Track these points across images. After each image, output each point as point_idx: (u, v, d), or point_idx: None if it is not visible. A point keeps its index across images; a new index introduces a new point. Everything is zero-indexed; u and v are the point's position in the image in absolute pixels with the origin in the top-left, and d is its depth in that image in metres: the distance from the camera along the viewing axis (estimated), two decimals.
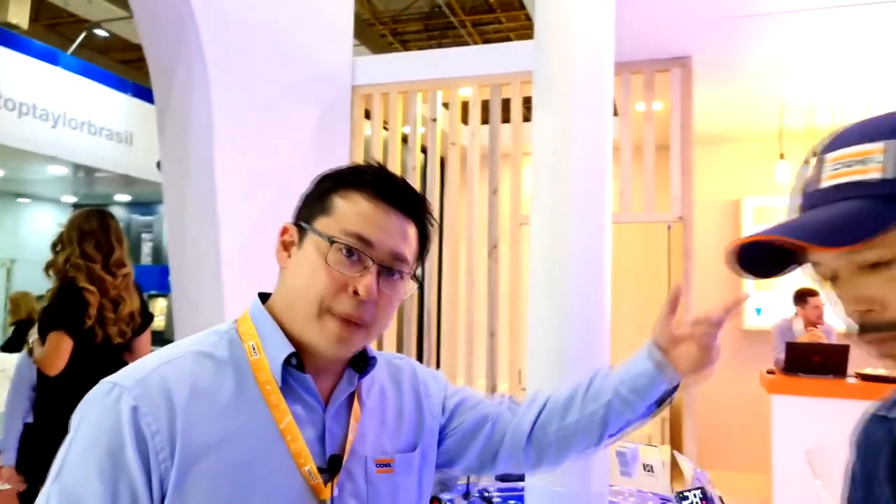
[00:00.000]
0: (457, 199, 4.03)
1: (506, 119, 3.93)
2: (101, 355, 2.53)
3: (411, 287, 0.88)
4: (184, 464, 0.75)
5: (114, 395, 0.76)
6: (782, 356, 4.21)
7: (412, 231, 0.88)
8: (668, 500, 2.01)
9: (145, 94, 6.38)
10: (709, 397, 4.78)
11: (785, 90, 4.33)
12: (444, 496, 1.78)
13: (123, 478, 0.74)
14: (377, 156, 4.12)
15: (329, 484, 0.82)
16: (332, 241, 0.82)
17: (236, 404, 0.80)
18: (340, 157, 3.94)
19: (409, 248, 0.87)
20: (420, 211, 0.89)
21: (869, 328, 0.66)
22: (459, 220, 4.06)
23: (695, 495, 1.70)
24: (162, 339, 6.35)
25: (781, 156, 5.17)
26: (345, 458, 0.84)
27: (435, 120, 4.06)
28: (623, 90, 3.71)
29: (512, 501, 2.14)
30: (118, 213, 8.28)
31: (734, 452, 4.90)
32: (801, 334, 4.60)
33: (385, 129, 4.21)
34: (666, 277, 5.49)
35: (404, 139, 4.31)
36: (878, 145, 0.65)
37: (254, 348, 0.83)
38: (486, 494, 2.10)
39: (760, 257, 0.72)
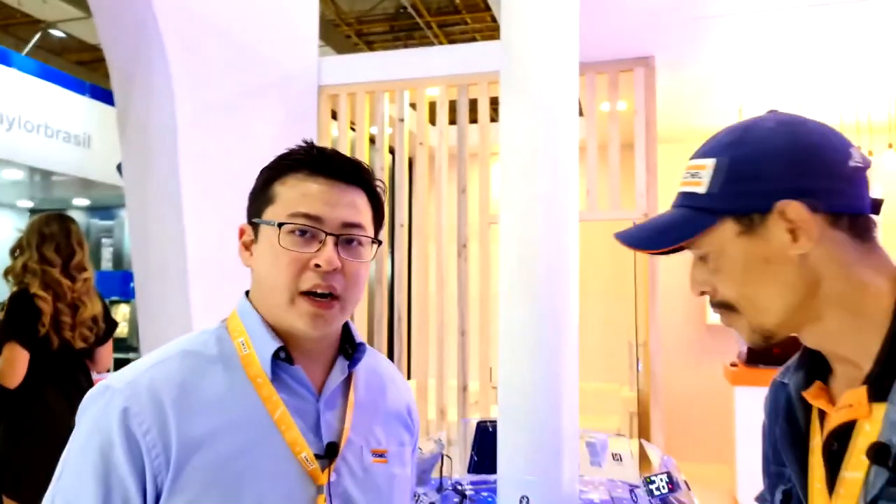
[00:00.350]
0: (425, 199, 4.04)
1: (473, 119, 3.95)
2: (61, 362, 2.47)
3: (373, 250, 0.89)
4: (179, 458, 0.77)
5: (106, 398, 0.79)
6: (745, 349, 4.32)
7: (360, 198, 0.89)
8: (637, 487, 2.06)
9: (103, 95, 6.23)
10: (676, 391, 4.88)
11: (743, 90, 4.44)
12: (418, 489, 1.79)
13: (115, 476, 0.77)
14: None
15: (326, 470, 0.84)
16: (280, 225, 0.84)
17: (228, 399, 0.82)
18: None
19: (361, 215, 0.88)
20: (362, 177, 0.90)
21: (713, 305, 0.79)
22: (428, 220, 4.06)
23: (661, 479, 1.75)
24: (125, 346, 6.21)
25: None
26: (342, 445, 0.86)
27: (402, 120, 4.06)
28: (588, 90, 3.76)
29: (485, 493, 2.16)
30: (77, 217, 8.08)
31: (700, 444, 5.01)
32: None
33: (352, 129, 4.19)
34: (632, 273, 5.58)
35: (372, 140, 4.30)
36: (708, 161, 0.76)
37: (243, 344, 0.86)
38: (460, 487, 2.12)
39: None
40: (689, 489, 1.92)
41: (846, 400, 0.72)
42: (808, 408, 0.78)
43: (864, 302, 0.72)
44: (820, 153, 0.72)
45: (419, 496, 1.79)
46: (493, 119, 3.92)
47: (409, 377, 4.36)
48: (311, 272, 0.83)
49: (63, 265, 2.50)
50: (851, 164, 0.72)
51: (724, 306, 0.78)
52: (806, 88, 4.36)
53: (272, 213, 0.86)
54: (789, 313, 0.74)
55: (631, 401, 4.94)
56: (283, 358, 0.84)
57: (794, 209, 0.71)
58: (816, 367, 0.78)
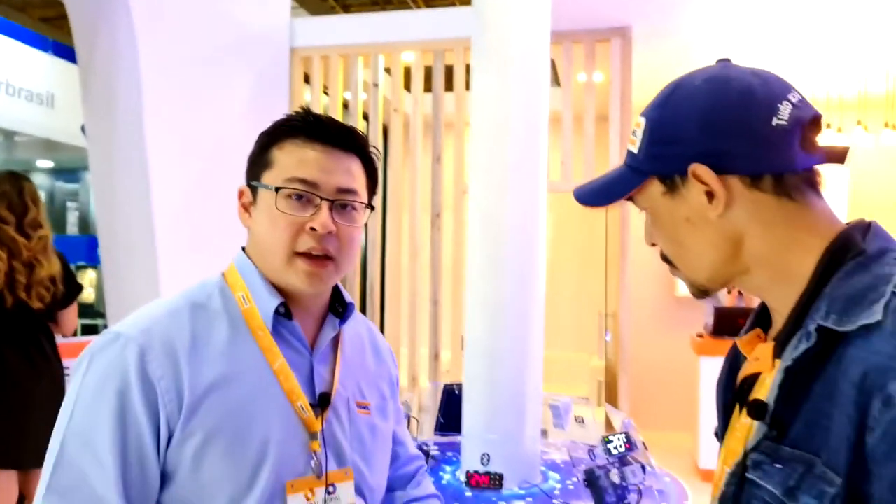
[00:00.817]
0: (400, 167, 4.00)
1: (449, 87, 3.90)
2: (18, 322, 2.42)
3: (366, 215, 0.94)
4: (191, 403, 0.82)
5: (119, 344, 0.83)
6: (711, 320, 4.41)
7: (355, 164, 0.93)
8: (596, 447, 2.13)
9: (68, 53, 6.01)
10: (643, 361, 4.97)
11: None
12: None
13: (130, 417, 0.81)
14: None
15: (319, 417, 0.90)
16: (278, 190, 0.88)
17: (232, 349, 0.87)
18: None
19: (355, 181, 0.92)
20: (357, 143, 0.94)
21: (662, 258, 0.81)
22: (402, 189, 4.03)
23: (619, 439, 1.80)
24: (92, 311, 6.10)
25: None
26: (333, 395, 0.93)
27: (377, 85, 3.99)
28: (565, 60, 3.73)
29: (450, 453, 2.21)
30: (41, 180, 7.84)
31: (665, 412, 5.13)
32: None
33: (325, 94, 4.11)
34: (604, 244, 5.63)
35: (345, 105, 4.23)
36: (642, 121, 0.77)
37: (244, 298, 0.90)
38: (426, 448, 2.16)
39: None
40: (646, 449, 1.98)
41: (756, 353, 0.75)
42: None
43: (787, 260, 0.72)
44: (735, 114, 0.71)
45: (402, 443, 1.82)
46: (469, 87, 3.88)
47: None
48: (306, 235, 0.88)
49: (17, 223, 2.43)
50: (776, 121, 0.70)
51: (667, 260, 0.81)
52: (782, 61, 4.39)
53: (270, 178, 0.90)
54: (716, 269, 0.76)
55: (599, 370, 5.03)
56: (282, 313, 0.90)
57: (703, 172, 0.71)
58: (765, 317, 0.80)
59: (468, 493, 1.88)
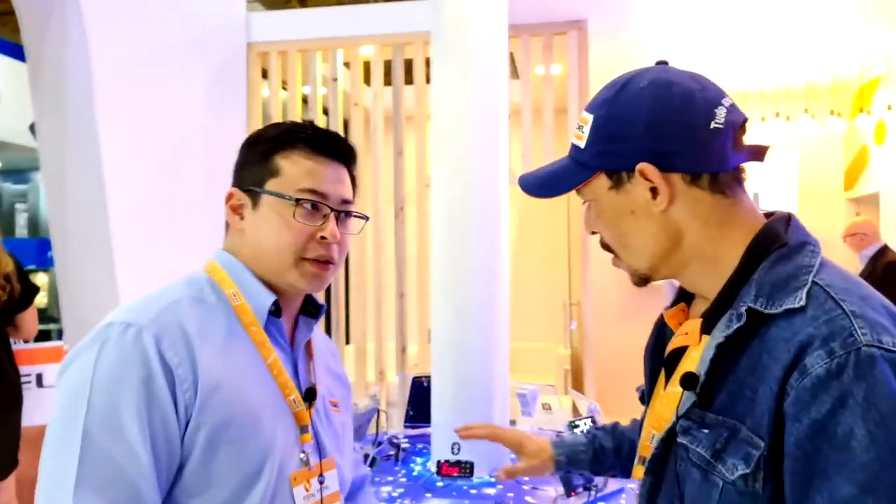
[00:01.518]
0: (362, 161, 3.98)
1: (409, 81, 3.89)
2: None
3: (361, 223, 1.01)
4: (205, 393, 0.83)
5: (132, 333, 0.82)
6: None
7: (346, 175, 0.99)
8: (562, 432, 2.18)
9: (13, 50, 5.80)
10: (607, 349, 5.07)
11: (674, 58, 4.55)
12: (356, 444, 1.83)
13: (158, 405, 0.80)
14: (276, 117, 3.98)
15: (308, 410, 0.94)
16: (297, 201, 0.92)
17: (230, 344, 0.89)
18: (237, 119, 3.77)
19: (350, 191, 0.99)
20: (350, 155, 1.00)
21: (603, 247, 0.87)
22: (365, 182, 4.02)
23: (584, 423, 1.84)
24: (45, 316, 5.91)
25: None
26: (317, 390, 0.97)
27: (336, 79, 3.97)
28: (523, 53, 3.76)
29: (420, 445, 2.23)
30: None
31: (630, 398, 5.22)
32: None
33: (284, 89, 4.07)
34: (566, 234, 5.71)
35: (304, 100, 4.19)
36: (589, 117, 0.82)
37: (234, 295, 0.92)
38: (395, 441, 2.17)
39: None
40: None
41: (685, 328, 0.83)
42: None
43: (719, 252, 0.79)
44: (679, 117, 0.77)
45: (354, 449, 1.83)
46: (429, 81, 3.88)
47: (347, 341, 4.36)
48: (315, 242, 0.93)
49: None
50: (713, 125, 0.76)
51: (608, 248, 0.86)
52: (732, 53, 4.51)
53: (278, 186, 0.93)
54: (657, 260, 0.82)
55: (565, 358, 5.11)
56: (272, 311, 0.93)
57: (649, 171, 0.77)
58: (687, 293, 0.89)
59: (439, 483, 1.90)
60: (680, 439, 0.77)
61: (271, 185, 0.93)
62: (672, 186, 0.77)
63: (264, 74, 4.03)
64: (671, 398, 0.81)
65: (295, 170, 0.93)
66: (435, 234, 2.14)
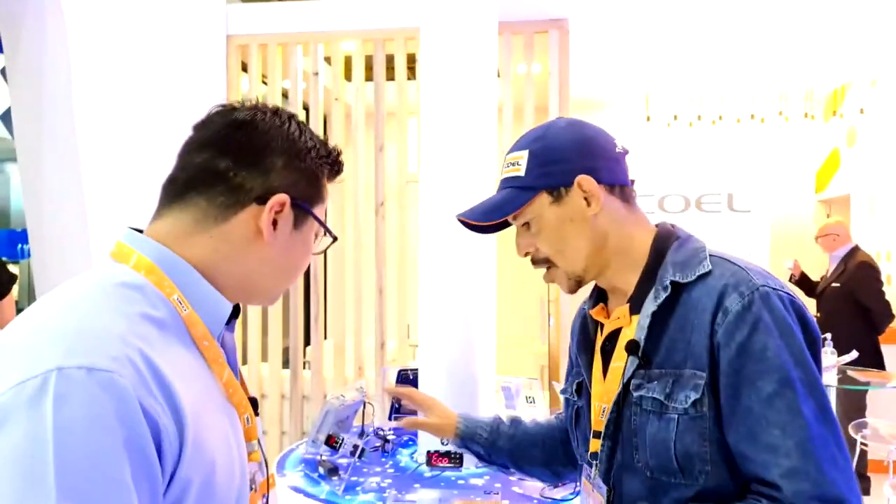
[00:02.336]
0: (342, 156, 3.97)
1: (390, 77, 3.89)
2: None
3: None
4: (190, 443, 0.68)
5: (99, 381, 0.61)
6: None
7: None
8: None
9: None
10: None
11: (651, 55, 4.62)
12: (342, 435, 1.84)
13: (143, 471, 0.63)
14: None
15: (254, 425, 0.84)
16: (335, 239, 0.89)
17: (189, 366, 0.74)
18: None
19: None
20: None
21: (535, 263, 1.06)
22: (345, 178, 4.01)
23: None
24: (16, 308, 5.79)
25: (647, 118, 5.54)
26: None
27: (317, 74, 3.95)
28: (504, 51, 3.78)
29: (406, 437, 2.24)
30: None
31: None
32: None
33: (264, 83, 4.04)
34: None
35: (284, 95, 4.16)
36: (523, 153, 1.02)
37: (179, 302, 0.75)
38: (382, 433, 2.18)
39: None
40: None
41: (615, 314, 1.03)
42: (596, 324, 1.09)
43: (631, 249, 1.02)
44: (597, 142, 1.02)
45: (342, 440, 1.83)
46: (410, 77, 3.89)
47: (325, 336, 4.35)
48: None
49: None
50: (617, 150, 1.03)
51: (543, 262, 1.05)
52: (713, 57, 4.59)
53: (321, 214, 0.89)
54: (590, 260, 1.02)
55: (542, 354, 5.16)
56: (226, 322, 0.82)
57: (586, 182, 0.99)
58: (602, 296, 1.09)
59: (427, 474, 1.92)
60: (634, 395, 0.96)
61: (318, 211, 0.86)
62: (600, 194, 1.00)
63: (244, 68, 4.00)
64: (615, 372, 1.00)
65: (325, 198, 0.89)
66: (423, 229, 2.16)
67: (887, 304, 4.18)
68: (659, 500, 0.93)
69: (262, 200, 0.79)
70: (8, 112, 3.30)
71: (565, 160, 1.00)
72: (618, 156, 1.03)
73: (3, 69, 3.13)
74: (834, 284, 4.34)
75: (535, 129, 1.05)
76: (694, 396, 0.90)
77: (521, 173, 1.01)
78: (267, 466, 0.88)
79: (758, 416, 0.86)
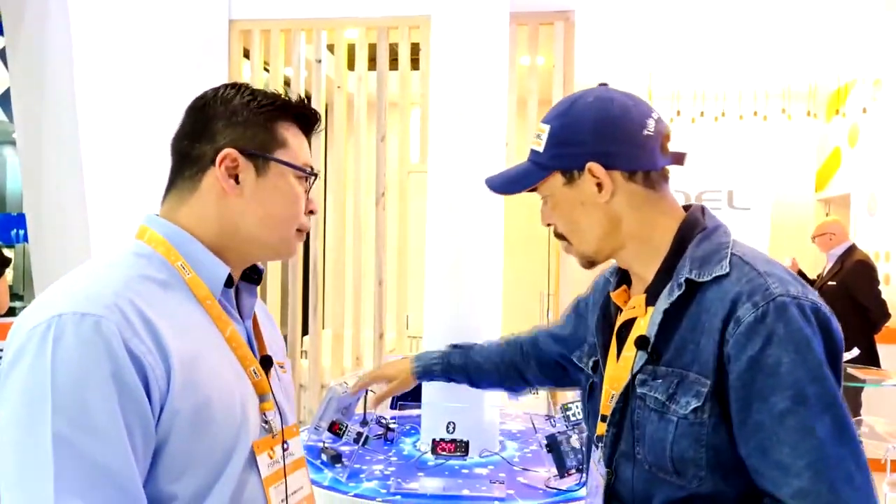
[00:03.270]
0: (343, 146, 3.95)
1: (393, 67, 3.86)
2: None
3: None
4: (177, 379, 0.79)
5: (89, 324, 0.74)
6: None
7: None
8: (551, 417, 2.22)
9: None
10: None
11: (656, 49, 4.60)
12: (346, 422, 1.83)
13: (129, 398, 0.75)
14: None
15: (267, 378, 0.93)
16: (313, 175, 0.94)
17: (188, 320, 0.85)
18: None
19: None
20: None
21: (555, 235, 1.05)
22: (346, 168, 3.98)
23: (576, 406, 1.89)
24: (10, 292, 5.74)
25: None
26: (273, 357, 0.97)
27: (320, 62, 3.92)
28: (510, 42, 3.76)
29: (408, 425, 2.24)
30: None
31: None
32: None
33: (266, 70, 4.00)
34: (545, 228, 5.75)
35: (287, 82, 4.12)
36: (545, 127, 1.00)
37: (183, 268, 0.88)
38: (384, 421, 2.18)
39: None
40: None
41: (632, 303, 1.01)
42: (616, 305, 1.06)
43: (652, 235, 0.98)
44: (619, 125, 0.96)
45: (346, 426, 1.82)
46: (414, 67, 3.86)
47: (323, 326, 4.33)
48: (305, 215, 0.96)
49: None
50: (645, 132, 0.96)
51: (561, 237, 1.04)
52: (717, 54, 4.58)
53: (287, 157, 0.92)
54: (601, 243, 1.00)
55: None
56: (226, 282, 0.90)
57: (596, 169, 0.96)
58: (626, 277, 1.06)
59: (431, 463, 1.91)
60: (639, 390, 0.94)
61: (281, 155, 0.91)
62: (614, 182, 0.96)
63: (246, 55, 3.96)
64: (625, 361, 0.98)
65: (295, 142, 0.93)
66: (430, 218, 2.14)
67: (883, 302, 4.20)
68: (657, 491, 0.93)
69: (215, 161, 0.89)
70: (6, 94, 3.26)
71: (580, 143, 0.96)
72: (644, 140, 0.96)
73: (3, 50, 3.09)
74: (830, 283, 4.35)
75: (565, 100, 1.01)
76: (695, 404, 0.88)
77: (541, 149, 1.00)
78: (288, 417, 0.96)
79: (769, 432, 0.83)
